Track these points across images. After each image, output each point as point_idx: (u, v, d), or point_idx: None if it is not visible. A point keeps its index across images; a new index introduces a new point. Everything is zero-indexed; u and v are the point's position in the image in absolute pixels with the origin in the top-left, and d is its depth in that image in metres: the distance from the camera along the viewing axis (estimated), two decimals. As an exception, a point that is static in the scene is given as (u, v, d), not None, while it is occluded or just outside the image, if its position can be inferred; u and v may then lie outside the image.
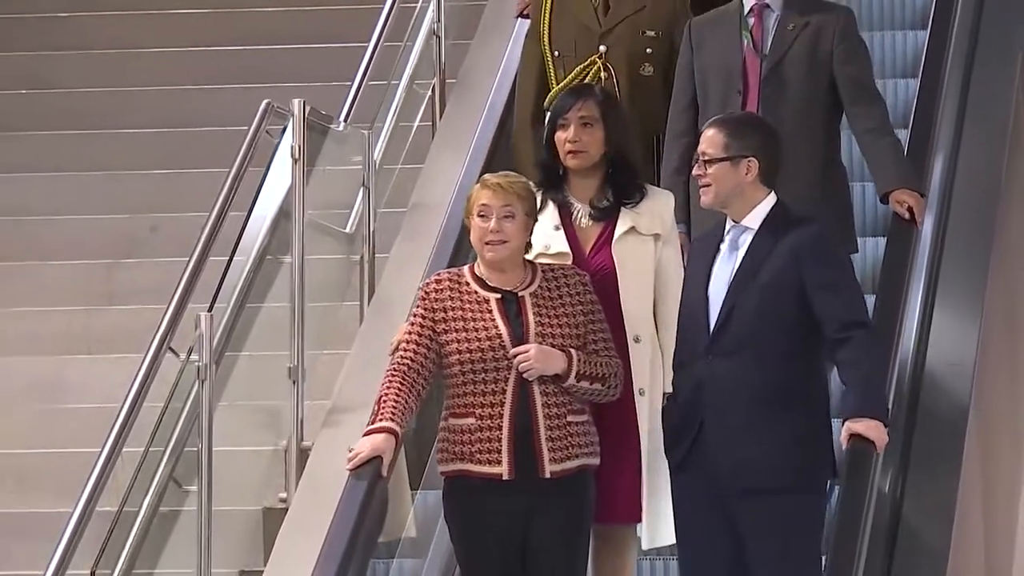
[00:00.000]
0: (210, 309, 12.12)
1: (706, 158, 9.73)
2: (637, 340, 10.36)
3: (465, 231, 11.77)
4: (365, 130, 13.89)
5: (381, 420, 9.93)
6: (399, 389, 10.00)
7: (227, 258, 12.65)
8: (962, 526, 12.31)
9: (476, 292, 10.18)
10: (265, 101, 13.17)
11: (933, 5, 15.12)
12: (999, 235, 14.05)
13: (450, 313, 10.17)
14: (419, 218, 13.69)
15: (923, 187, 12.05)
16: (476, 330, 10.06)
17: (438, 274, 10.72)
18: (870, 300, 11.19)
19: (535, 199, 10.24)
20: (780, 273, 9.62)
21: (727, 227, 9.85)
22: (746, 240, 9.75)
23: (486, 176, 10.56)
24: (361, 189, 13.91)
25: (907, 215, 11.65)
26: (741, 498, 9.35)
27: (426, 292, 10.38)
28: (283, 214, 13.14)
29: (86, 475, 11.50)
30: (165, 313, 12.07)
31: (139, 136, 15.91)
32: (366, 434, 10.06)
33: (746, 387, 9.48)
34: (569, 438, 9.96)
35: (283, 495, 12.76)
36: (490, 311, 10.08)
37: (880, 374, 10.35)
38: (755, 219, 9.78)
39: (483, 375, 10.04)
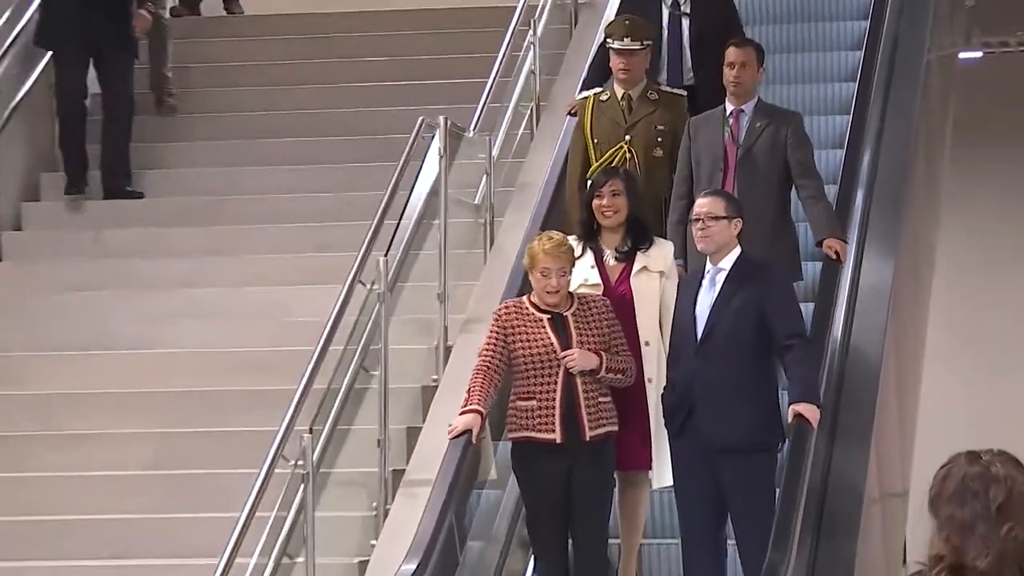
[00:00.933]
0: (386, 254, 12.50)
1: (709, 216, 10.38)
2: (647, 344, 10.88)
3: (551, 207, 12.90)
4: (487, 136, 14.16)
5: (470, 404, 10.62)
6: (482, 382, 10.70)
7: (397, 221, 12.99)
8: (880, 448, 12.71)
9: (533, 313, 10.76)
10: (421, 118, 13.49)
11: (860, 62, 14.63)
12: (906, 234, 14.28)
13: (516, 329, 10.78)
14: (522, 195, 14.00)
15: (845, 235, 12.26)
16: (534, 340, 10.68)
17: (506, 303, 11.30)
18: (809, 307, 11.82)
19: (571, 254, 10.73)
20: (746, 302, 10.41)
21: (707, 268, 10.56)
22: (721, 278, 10.45)
23: (544, 243, 10.82)
24: (484, 175, 14.16)
25: (834, 256, 11.90)
26: (722, 456, 10.11)
27: (498, 316, 11.05)
28: (433, 192, 13.33)
29: (305, 365, 11.76)
30: (357, 258, 12.42)
31: (341, 142, 16.11)
32: (461, 414, 10.71)
33: (724, 379, 10.29)
34: (600, 412, 10.52)
35: (435, 377, 13.05)
36: (543, 327, 10.67)
37: (815, 371, 10.92)
38: (728, 263, 10.47)
39: (540, 371, 10.63)
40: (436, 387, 12.93)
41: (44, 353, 14.71)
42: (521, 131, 14.85)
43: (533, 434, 10.52)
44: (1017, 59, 20.99)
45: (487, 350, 10.73)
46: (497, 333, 10.75)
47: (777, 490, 10.40)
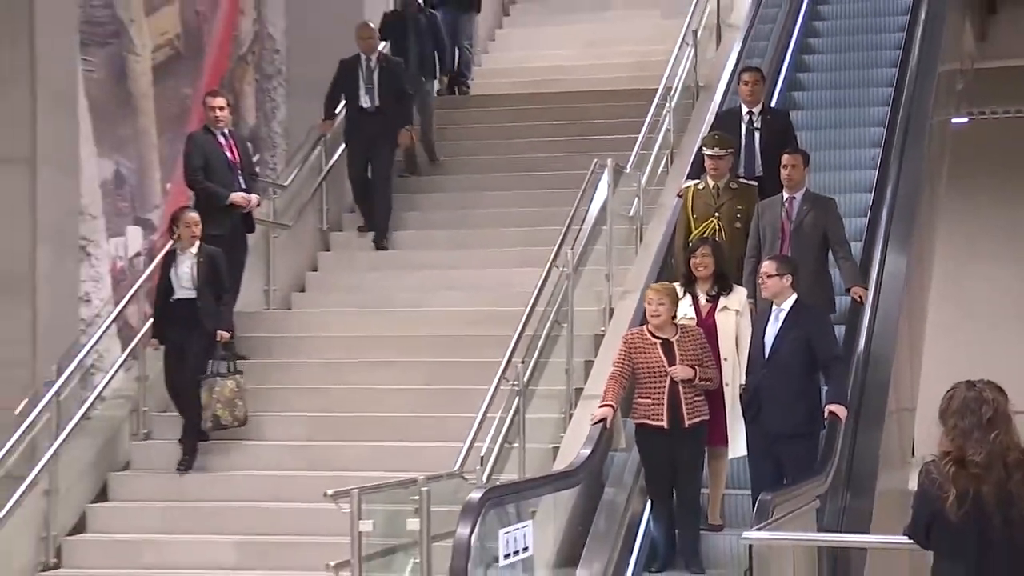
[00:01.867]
0: (572, 248, 12.88)
1: (767, 275, 10.54)
2: (726, 359, 10.93)
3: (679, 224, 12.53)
4: (638, 172, 14.30)
5: (605, 401, 10.70)
6: (614, 386, 10.74)
7: (579, 226, 13.22)
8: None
9: (650, 339, 10.68)
10: (595, 160, 13.72)
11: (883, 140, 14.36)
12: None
13: (637, 349, 10.75)
14: (660, 210, 13.88)
15: (866, 283, 11.98)
16: (650, 358, 10.67)
17: (631, 331, 11.27)
18: (842, 327, 11.71)
19: (676, 297, 10.85)
20: (799, 335, 10.46)
21: (773, 308, 10.61)
22: (782, 316, 10.52)
23: (653, 286, 11.15)
24: (636, 198, 14.24)
25: (858, 299, 11.72)
26: (780, 438, 10.25)
27: (626, 340, 11.03)
28: (603, 208, 13.50)
29: (520, 319, 12.20)
30: (553, 250, 12.71)
31: (543, 175, 15.93)
32: (599, 407, 10.76)
33: (783, 386, 10.35)
34: (696, 407, 10.55)
35: (603, 328, 13.16)
36: (656, 349, 10.66)
37: (845, 381, 10.85)
38: (787, 305, 10.52)
39: (653, 379, 10.62)
40: (603, 335, 13.10)
41: (351, 309, 14.93)
42: (660, 169, 14.82)
43: (648, 421, 10.68)
44: (992, 123, 20.97)
45: (618, 363, 10.91)
46: (624, 352, 10.87)
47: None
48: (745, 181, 12.26)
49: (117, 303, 13.80)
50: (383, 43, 16.09)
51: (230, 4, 16.54)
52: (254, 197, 13.84)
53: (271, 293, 15.22)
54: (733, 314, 11.02)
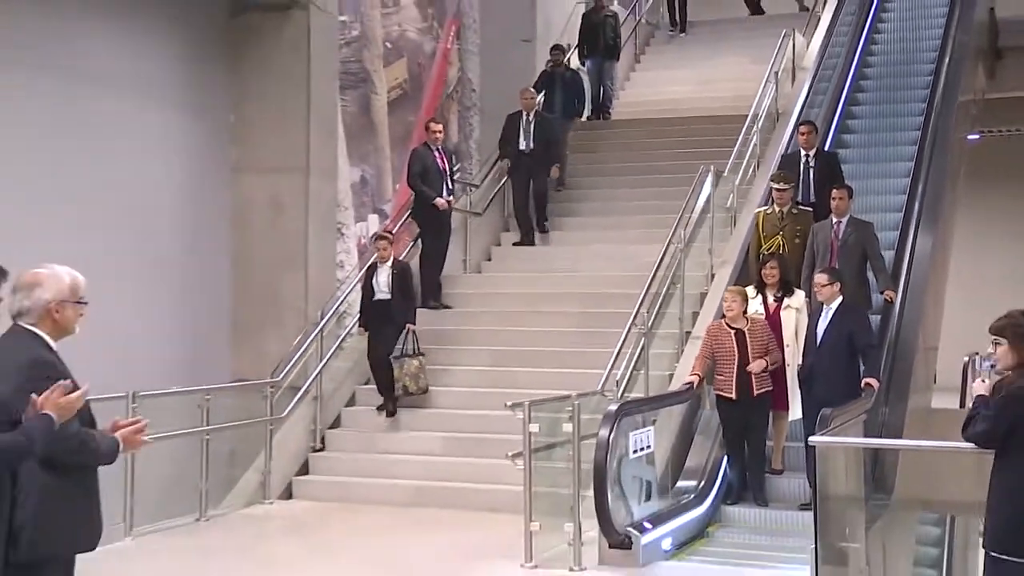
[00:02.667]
0: (685, 229, 12.74)
1: (819, 284, 10.21)
2: (788, 346, 10.57)
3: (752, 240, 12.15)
4: (733, 176, 13.95)
5: (694, 371, 10.51)
6: (700, 363, 10.49)
7: (691, 215, 12.98)
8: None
9: (725, 329, 10.40)
10: (701, 166, 13.52)
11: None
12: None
13: (716, 338, 10.47)
14: (749, 204, 13.47)
15: (895, 288, 11.49)
16: (725, 345, 10.36)
17: (713, 323, 10.95)
18: (877, 317, 11.28)
19: (747, 297, 10.58)
20: (843, 329, 10.10)
21: (823, 307, 10.25)
22: (830, 314, 10.17)
23: (728, 288, 11.04)
24: (731, 194, 13.84)
25: (888, 300, 11.28)
26: (828, 406, 8.78)
27: (709, 330, 10.76)
28: (707, 201, 13.24)
29: (646, 282, 12.03)
30: (671, 230, 12.56)
31: (664, 177, 15.58)
32: (688, 376, 10.59)
33: (830, 367, 9.99)
34: (762, 381, 10.23)
35: (706, 288, 12.88)
36: (731, 338, 10.37)
37: (878, 363, 10.42)
38: (834, 306, 10.18)
39: (727, 362, 10.31)
40: (706, 293, 12.79)
41: (523, 274, 14.68)
42: (750, 173, 14.46)
43: (723, 393, 10.40)
44: (998, 139, 20.60)
45: (703, 347, 10.70)
46: (707, 339, 10.65)
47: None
48: (803, 207, 11.97)
49: (360, 269, 13.95)
50: (540, 94, 15.77)
51: (442, 58, 16.73)
52: (444, 201, 13.81)
53: (467, 262, 15.12)
54: (794, 311, 10.75)
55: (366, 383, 13.04)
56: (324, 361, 12.64)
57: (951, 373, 16.07)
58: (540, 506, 9.09)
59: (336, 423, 12.80)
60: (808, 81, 16.14)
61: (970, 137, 17.57)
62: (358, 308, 12.90)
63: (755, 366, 10.28)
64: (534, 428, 9.12)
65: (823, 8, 18.16)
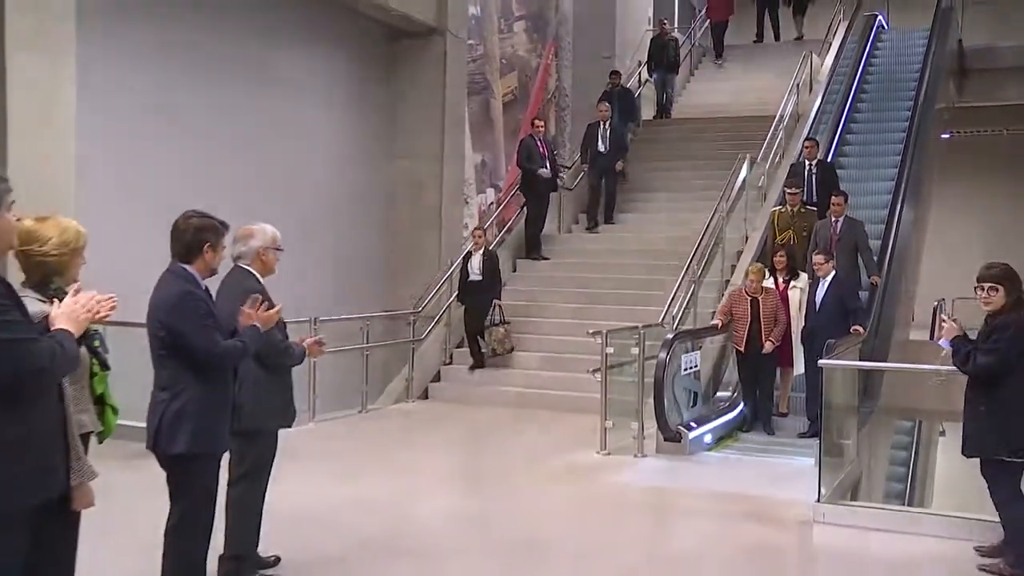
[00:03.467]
0: (727, 202, 12.49)
1: (819, 262, 9.66)
2: (793, 317, 9.97)
3: (769, 233, 11.74)
4: (765, 162, 13.64)
5: (717, 318, 10.08)
6: (721, 315, 10.03)
7: (733, 192, 12.68)
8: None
9: (744, 296, 9.84)
10: (739, 154, 13.35)
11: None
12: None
13: (736, 302, 9.94)
14: (775, 183, 13.18)
15: (879, 273, 10.94)
16: (740, 308, 9.86)
17: (736, 288, 10.47)
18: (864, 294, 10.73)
19: (764, 274, 10.04)
20: (837, 295, 9.57)
21: (821, 281, 9.70)
22: (825, 284, 9.64)
23: (750, 266, 10.39)
24: (762, 176, 13.56)
25: (873, 283, 10.76)
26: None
27: (731, 294, 10.33)
28: (743, 181, 13.02)
29: (696, 243, 11.88)
30: (717, 204, 12.25)
31: (709, 162, 15.12)
32: (712, 322, 10.26)
33: (827, 326, 9.20)
34: (770, 340, 9.64)
35: (741, 248, 12.59)
36: (747, 303, 9.82)
37: (865, 320, 9.91)
38: (829, 279, 9.65)
39: (742, 322, 9.76)
40: (742, 251, 12.47)
41: (602, 234, 14.44)
42: (779, 159, 14.07)
43: (737, 347, 9.93)
44: (964, 137, 20.24)
45: (724, 305, 10.30)
46: (728, 300, 10.23)
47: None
48: (808, 208, 11.51)
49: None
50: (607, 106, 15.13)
51: (543, 71, 16.57)
52: (546, 171, 13.73)
53: (560, 224, 14.93)
54: (799, 290, 10.18)
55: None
56: (452, 298, 12.64)
57: (925, 314, 15.77)
58: (613, 409, 9.08)
59: (461, 344, 12.78)
60: (822, 91, 15.87)
61: (943, 136, 17.39)
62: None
63: (768, 347, 9.80)
64: (609, 350, 9.08)
65: (834, 36, 17.78)
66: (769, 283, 10.25)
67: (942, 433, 15.50)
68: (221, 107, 10.93)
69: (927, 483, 14.94)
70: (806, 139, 13.02)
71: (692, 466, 8.66)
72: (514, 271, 14.08)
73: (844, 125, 15.08)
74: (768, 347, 9.77)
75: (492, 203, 15.02)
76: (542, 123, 14.42)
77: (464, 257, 12.36)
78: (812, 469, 7.26)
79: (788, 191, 11.48)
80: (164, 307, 4.41)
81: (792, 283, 10.24)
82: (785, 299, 10.13)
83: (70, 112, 8.55)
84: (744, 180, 13.21)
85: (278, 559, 5.43)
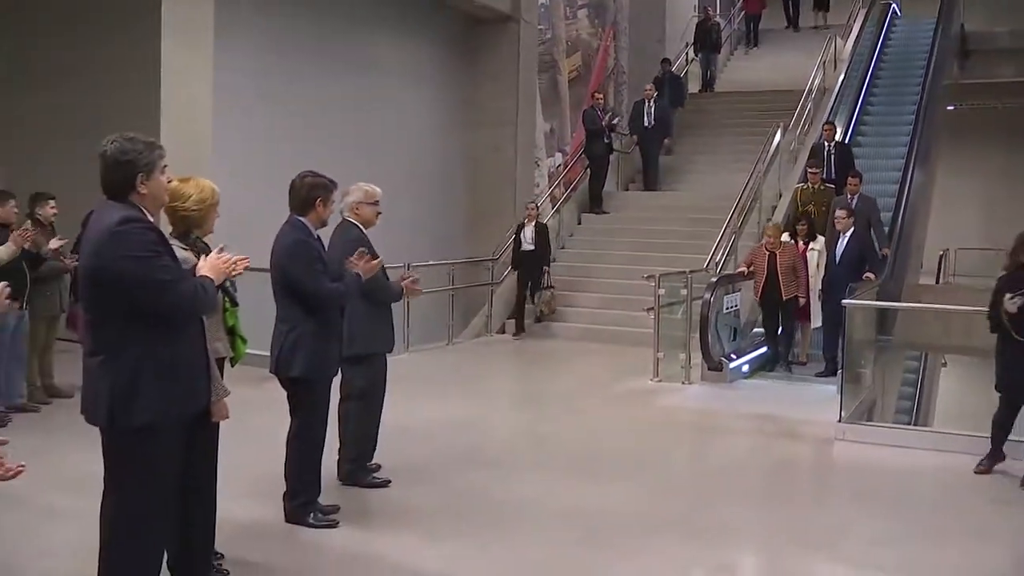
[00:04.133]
0: (764, 164, 12.28)
1: (842, 217, 9.07)
2: (812, 276, 9.35)
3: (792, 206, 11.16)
4: (796, 129, 13.31)
5: (740, 268, 9.58)
6: (745, 265, 9.51)
7: (767, 155, 12.42)
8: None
9: (763, 251, 9.30)
10: (775, 122, 12.96)
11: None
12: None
13: (756, 256, 9.38)
14: (804, 150, 12.72)
15: (888, 246, 10.25)
16: (759, 260, 9.32)
17: (757, 244, 9.85)
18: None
19: (781, 232, 9.58)
20: (854, 248, 8.97)
21: (839, 236, 9.10)
22: (845, 239, 9.04)
23: (768, 225, 9.92)
24: (793, 141, 13.22)
25: (884, 255, 9.95)
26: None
27: (753, 249, 9.75)
28: (777, 146, 12.66)
29: (735, 199, 11.76)
30: (754, 165, 12.14)
31: (749, 131, 14.83)
32: (738, 269, 9.63)
33: (846, 277, 8.60)
34: (788, 289, 9.11)
35: (776, 203, 12.22)
36: (764, 256, 9.27)
37: (879, 269, 9.46)
38: (848, 233, 9.06)
39: (760, 273, 9.25)
40: (776, 206, 12.12)
41: (656, 193, 14.20)
42: (808, 128, 13.64)
43: (756, 295, 9.45)
44: (966, 110, 19.58)
45: (746, 259, 9.73)
46: (751, 253, 9.66)
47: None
48: (827, 184, 10.78)
49: (549, 188, 14.02)
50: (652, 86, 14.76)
51: (603, 52, 16.24)
52: (607, 126, 13.62)
53: (618, 183, 14.73)
54: (816, 252, 9.49)
55: (553, 260, 12.91)
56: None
57: (930, 262, 15.54)
58: (664, 343, 9.02)
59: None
60: (844, 68, 15.42)
61: (948, 108, 17.08)
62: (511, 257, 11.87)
63: (801, 300, 9.27)
64: (661, 292, 9.04)
65: (854, 21, 17.30)
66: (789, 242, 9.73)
67: (944, 364, 15.42)
68: (329, 87, 11.05)
69: (931, 406, 14.79)
70: (825, 122, 12.38)
71: (731, 392, 8.60)
72: (579, 223, 13.95)
73: (864, 99, 14.78)
74: (801, 300, 9.24)
75: (559, 165, 14.81)
76: (602, 96, 14.41)
77: (518, 228, 11.75)
78: (834, 395, 7.22)
79: (809, 170, 10.94)
80: (282, 253, 4.47)
81: (811, 245, 9.64)
82: (805, 260, 9.52)
83: (207, 93, 8.83)
84: (777, 145, 12.84)
85: (379, 467, 5.46)
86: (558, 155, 15.00)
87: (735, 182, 12.70)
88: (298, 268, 4.42)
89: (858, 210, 9.71)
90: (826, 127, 11.93)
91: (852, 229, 9.12)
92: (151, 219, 3.21)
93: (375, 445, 5.34)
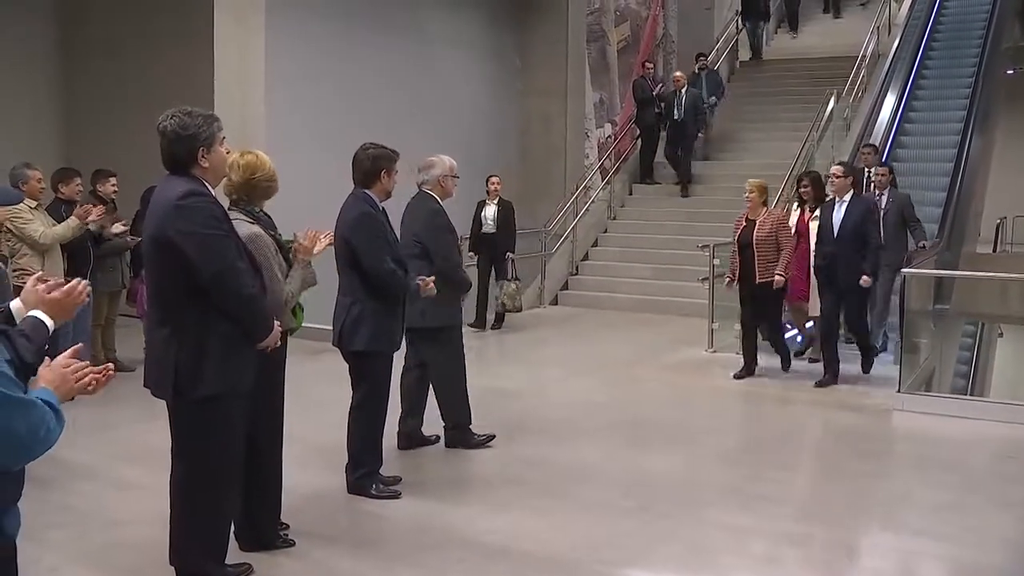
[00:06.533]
0: (817, 132, 12.08)
1: (836, 175, 7.38)
2: (813, 251, 7.41)
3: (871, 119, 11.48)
4: (849, 97, 12.94)
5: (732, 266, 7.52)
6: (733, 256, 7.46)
7: (820, 123, 12.19)
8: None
9: (742, 223, 7.45)
10: (827, 90, 12.60)
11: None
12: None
13: (737, 226, 7.44)
14: (859, 117, 12.63)
15: (927, 240, 8.81)
16: (737, 234, 7.42)
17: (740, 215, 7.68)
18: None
19: (764, 191, 7.62)
20: (856, 219, 7.12)
21: (836, 201, 7.28)
22: (843, 207, 7.21)
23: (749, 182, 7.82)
24: (846, 109, 12.85)
25: (921, 246, 8.54)
26: (849, 284, 7.09)
27: (737, 219, 7.62)
28: (830, 114, 12.36)
29: (791, 165, 11.49)
30: (806, 134, 11.94)
31: (799, 100, 14.52)
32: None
33: (847, 253, 7.05)
34: (767, 271, 7.30)
35: (827, 173, 12.50)
36: (741, 229, 7.41)
37: (875, 256, 7.40)
38: (848, 197, 7.22)
39: (738, 248, 7.37)
40: (828, 177, 12.24)
41: (703, 162, 13.72)
42: (861, 95, 13.19)
43: (729, 283, 7.60)
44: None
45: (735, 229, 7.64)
46: (735, 227, 7.62)
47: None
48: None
49: (599, 159, 13.89)
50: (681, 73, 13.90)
51: (652, 21, 16.04)
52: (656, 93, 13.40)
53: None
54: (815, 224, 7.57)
55: (604, 232, 12.86)
56: (578, 217, 12.54)
57: (988, 230, 15.21)
58: (718, 313, 8.85)
59: (585, 257, 12.65)
60: (900, 32, 14.88)
61: (1008, 72, 16.33)
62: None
63: (777, 280, 7.32)
64: (716, 261, 8.82)
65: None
66: (794, 218, 7.91)
67: (1000, 335, 15.19)
68: (385, 59, 11.01)
69: (987, 377, 14.51)
70: (865, 145, 10.50)
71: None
72: (630, 194, 13.76)
73: (920, 63, 14.31)
74: (778, 280, 7.30)
75: (609, 136, 14.68)
76: (651, 65, 14.10)
77: (478, 206, 9.73)
78: (891, 366, 7.16)
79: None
80: (347, 226, 4.44)
81: (816, 213, 7.74)
82: (805, 231, 7.70)
83: (260, 65, 8.85)
84: (831, 113, 12.50)
85: (438, 438, 5.49)
86: (607, 126, 14.86)
87: (788, 150, 12.39)
88: (360, 240, 4.39)
89: (889, 208, 8.47)
90: (866, 151, 9.90)
91: (851, 192, 7.35)
92: (212, 192, 3.22)
93: (469, 411, 5.41)
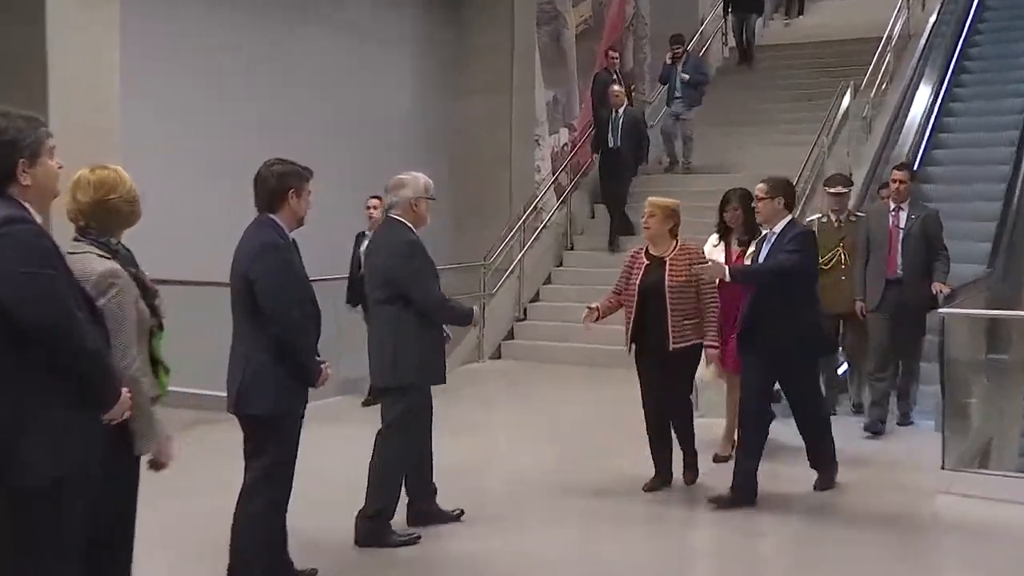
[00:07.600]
0: (827, 135, 12.31)
1: (758, 197, 6.27)
2: None
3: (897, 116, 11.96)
4: (869, 90, 13.07)
5: (590, 306, 6.34)
6: (607, 298, 6.39)
7: (837, 114, 12.50)
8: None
9: (640, 259, 6.44)
10: (842, 82, 12.94)
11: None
12: None
13: (628, 268, 6.37)
14: (882, 114, 12.94)
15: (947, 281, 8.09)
16: (632, 281, 6.33)
17: (632, 249, 6.71)
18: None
19: (671, 214, 6.34)
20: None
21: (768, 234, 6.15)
22: (773, 238, 5.99)
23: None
24: (865, 102, 13.06)
25: (937, 291, 7.85)
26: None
27: (625, 259, 6.61)
28: (846, 112, 12.70)
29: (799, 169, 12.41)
30: (821, 125, 12.26)
31: (810, 83, 15.02)
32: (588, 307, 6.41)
33: (767, 301, 6.01)
34: (680, 334, 6.25)
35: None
36: (640, 270, 6.27)
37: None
38: (779, 227, 6.03)
39: (630, 298, 6.26)
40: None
41: (674, 188, 13.92)
42: (884, 86, 13.41)
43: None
44: None
45: (617, 281, 6.64)
46: (623, 269, 6.58)
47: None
48: (859, 214, 8.87)
49: (553, 173, 14.06)
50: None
51: (620, -1, 16.48)
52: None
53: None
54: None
55: (559, 266, 12.98)
56: (526, 248, 12.66)
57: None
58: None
59: (535, 297, 12.80)
60: (938, 5, 15.05)
61: None
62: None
63: (712, 354, 6.40)
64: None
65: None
66: (717, 254, 7.07)
67: None
68: (284, 50, 11.31)
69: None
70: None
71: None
72: (591, 217, 13.95)
73: (963, 44, 14.36)
74: (712, 354, 6.37)
75: (565, 144, 14.86)
76: (617, 54, 14.29)
77: (357, 238, 9.15)
78: (931, 432, 7.15)
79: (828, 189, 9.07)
80: (246, 259, 4.46)
81: (750, 250, 6.78)
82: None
83: (112, 52, 8.53)
84: (847, 111, 12.78)
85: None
86: (563, 131, 15.05)
87: (790, 159, 12.42)
88: (264, 279, 4.42)
89: (911, 229, 8.26)
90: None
91: (787, 219, 6.25)
92: (37, 218, 3.10)
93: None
